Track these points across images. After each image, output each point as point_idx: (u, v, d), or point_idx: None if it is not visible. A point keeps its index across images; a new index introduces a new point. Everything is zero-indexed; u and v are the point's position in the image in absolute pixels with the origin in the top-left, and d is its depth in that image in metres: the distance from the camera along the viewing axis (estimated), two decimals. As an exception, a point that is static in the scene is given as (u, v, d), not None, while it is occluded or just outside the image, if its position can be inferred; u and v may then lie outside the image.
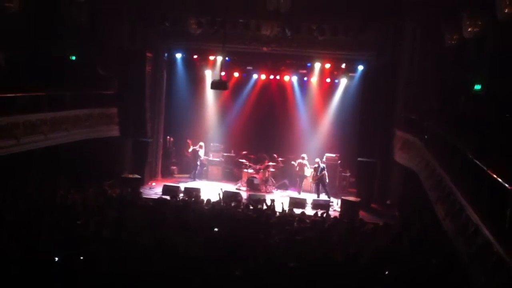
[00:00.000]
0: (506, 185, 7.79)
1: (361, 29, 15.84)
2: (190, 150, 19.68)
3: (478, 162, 9.17)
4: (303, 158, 18.72)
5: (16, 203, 11.25)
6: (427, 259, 9.29)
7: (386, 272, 8.52)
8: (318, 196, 17.66)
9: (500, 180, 8.07)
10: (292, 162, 19.12)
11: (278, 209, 13.94)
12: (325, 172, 17.78)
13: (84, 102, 16.34)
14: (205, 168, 20.11)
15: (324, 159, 18.66)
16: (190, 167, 20.17)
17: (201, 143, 19.74)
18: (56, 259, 7.84)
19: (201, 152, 19.68)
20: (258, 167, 19.11)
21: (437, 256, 9.41)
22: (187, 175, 20.20)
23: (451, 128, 11.92)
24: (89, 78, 16.57)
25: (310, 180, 18.43)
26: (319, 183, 17.84)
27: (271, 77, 20.31)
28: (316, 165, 17.91)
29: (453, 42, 12.69)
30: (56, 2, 15.17)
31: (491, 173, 8.39)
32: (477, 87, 13.51)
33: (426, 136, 13.90)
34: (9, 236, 8.62)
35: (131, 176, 17.18)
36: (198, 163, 19.68)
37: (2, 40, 13.98)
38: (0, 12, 12.19)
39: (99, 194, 13.68)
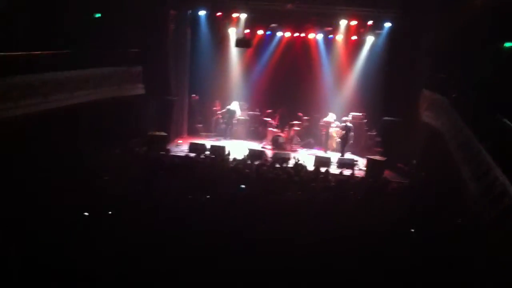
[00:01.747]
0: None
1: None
2: (224, 110, 19.70)
3: (507, 121, 9.04)
4: (329, 117, 18.81)
5: (39, 165, 11.36)
6: (451, 219, 9.29)
7: (412, 230, 8.57)
8: (343, 155, 17.68)
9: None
10: (321, 122, 19.13)
11: (303, 167, 13.94)
12: (352, 132, 17.80)
13: (109, 60, 16.43)
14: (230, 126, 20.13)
15: (350, 118, 18.57)
16: (217, 126, 20.32)
17: (235, 102, 19.79)
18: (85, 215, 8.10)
19: (238, 111, 19.88)
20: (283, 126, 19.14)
21: (462, 217, 9.41)
22: (213, 134, 20.34)
23: (479, 88, 11.72)
24: (114, 36, 16.57)
25: (338, 139, 18.42)
26: (344, 142, 17.82)
27: (296, 34, 19.94)
28: (344, 124, 17.86)
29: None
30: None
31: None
32: (508, 44, 13.16)
33: (454, 96, 13.68)
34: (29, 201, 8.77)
35: (157, 134, 17.36)
36: (235, 121, 19.83)
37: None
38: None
39: (125, 153, 13.85)
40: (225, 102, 20.00)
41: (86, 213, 8.19)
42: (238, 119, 20.03)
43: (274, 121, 19.53)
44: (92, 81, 15.59)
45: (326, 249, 7.33)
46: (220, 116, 20.03)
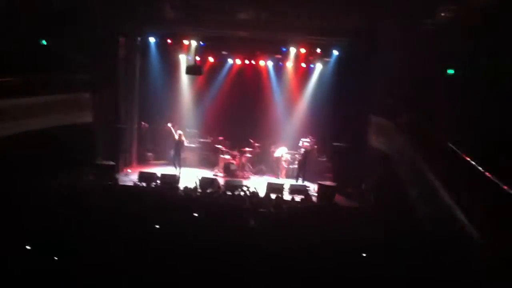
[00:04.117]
0: (480, 168, 7.95)
1: (337, 14, 15.87)
2: (176, 137, 18.94)
3: (451, 145, 9.33)
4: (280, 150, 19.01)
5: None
6: (402, 242, 9.41)
7: (364, 255, 8.61)
8: (297, 181, 17.79)
9: (473, 163, 8.23)
10: (272, 149, 19.24)
11: (255, 194, 13.91)
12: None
13: (56, 87, 16.04)
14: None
15: (300, 144, 18.76)
16: (167, 154, 20.04)
17: (180, 132, 19.43)
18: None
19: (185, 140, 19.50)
20: (234, 153, 19.11)
21: (412, 239, 9.55)
22: (163, 161, 20.05)
23: (424, 112, 12.09)
24: (61, 63, 16.23)
25: (295, 165, 18.61)
26: (302, 167, 18.01)
27: (247, 62, 20.17)
28: (304, 150, 18.09)
29: (427, 27, 12.79)
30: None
31: (464, 156, 8.55)
32: (450, 71, 13.70)
33: (400, 120, 14.06)
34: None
35: (105, 163, 16.93)
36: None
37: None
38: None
39: (73, 182, 13.46)
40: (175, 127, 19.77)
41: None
42: (186, 147, 19.59)
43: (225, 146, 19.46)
44: (38, 109, 15.13)
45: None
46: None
